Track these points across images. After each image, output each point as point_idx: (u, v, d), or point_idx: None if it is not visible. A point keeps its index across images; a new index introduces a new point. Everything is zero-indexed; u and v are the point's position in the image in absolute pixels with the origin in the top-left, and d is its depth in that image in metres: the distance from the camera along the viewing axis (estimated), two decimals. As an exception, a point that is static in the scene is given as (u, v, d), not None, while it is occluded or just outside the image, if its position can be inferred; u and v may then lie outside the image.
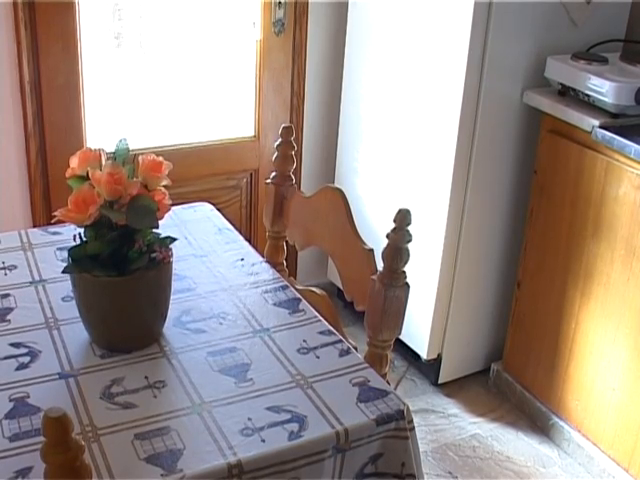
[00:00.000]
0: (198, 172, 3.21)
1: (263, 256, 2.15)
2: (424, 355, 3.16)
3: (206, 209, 2.33)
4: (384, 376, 1.76)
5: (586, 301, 2.74)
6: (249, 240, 2.24)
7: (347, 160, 3.42)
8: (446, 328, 3.11)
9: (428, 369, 3.23)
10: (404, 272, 1.70)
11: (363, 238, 1.89)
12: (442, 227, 2.94)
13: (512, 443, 2.96)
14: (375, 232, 1.78)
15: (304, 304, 1.91)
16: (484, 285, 3.15)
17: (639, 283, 2.53)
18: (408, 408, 1.59)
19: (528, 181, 2.94)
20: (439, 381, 3.21)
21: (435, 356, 3.16)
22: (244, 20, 3.18)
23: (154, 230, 1.66)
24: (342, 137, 3.44)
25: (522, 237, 2.99)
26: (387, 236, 1.68)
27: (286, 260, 2.26)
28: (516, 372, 3.11)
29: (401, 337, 3.09)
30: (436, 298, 3.03)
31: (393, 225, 1.68)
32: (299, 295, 1.95)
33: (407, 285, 1.71)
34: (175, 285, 1.81)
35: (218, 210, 2.34)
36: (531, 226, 2.92)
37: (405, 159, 3.08)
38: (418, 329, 3.11)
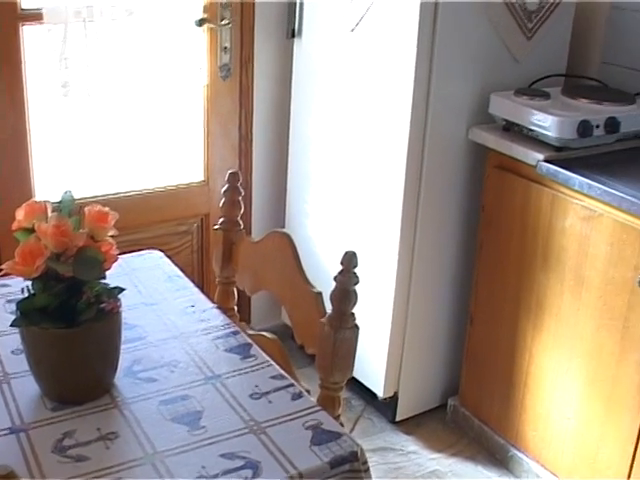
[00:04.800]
0: (149, 219, 3.21)
1: (214, 302, 2.15)
2: (380, 393, 3.16)
3: (156, 256, 2.33)
4: (337, 418, 1.76)
5: (538, 333, 2.76)
6: (201, 285, 2.24)
7: (297, 202, 3.43)
8: (401, 366, 3.12)
9: (385, 407, 3.23)
10: (353, 314, 1.71)
11: (314, 279, 1.90)
12: (393, 265, 2.95)
13: (472, 477, 2.96)
14: (326, 273, 1.79)
15: (255, 349, 1.91)
16: (437, 321, 3.16)
17: (589, 312, 2.56)
18: (362, 449, 1.59)
19: (477, 216, 2.97)
20: (397, 419, 3.21)
21: (391, 394, 3.17)
22: (190, 65, 3.19)
23: (102, 280, 1.66)
24: (291, 179, 3.46)
25: (473, 272, 3.02)
26: (334, 279, 1.70)
27: (239, 303, 2.26)
28: (473, 406, 3.13)
29: (357, 376, 3.12)
30: (390, 336, 3.04)
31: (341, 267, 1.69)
32: (250, 340, 1.94)
33: (356, 327, 1.72)
34: (125, 334, 1.80)
35: (168, 257, 2.34)
36: (481, 261, 2.95)
37: (354, 199, 3.10)
38: (373, 368, 3.12)
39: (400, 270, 2.97)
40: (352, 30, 2.97)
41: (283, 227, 3.47)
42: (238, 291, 2.21)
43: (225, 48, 3.22)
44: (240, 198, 2.10)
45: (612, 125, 2.68)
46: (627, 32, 3.04)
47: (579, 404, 2.66)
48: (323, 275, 2.03)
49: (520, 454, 2.93)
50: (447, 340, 3.22)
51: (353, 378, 3.11)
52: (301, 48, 3.28)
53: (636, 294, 2.40)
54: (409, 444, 3.12)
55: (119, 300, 1.69)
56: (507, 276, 2.85)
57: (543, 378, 2.78)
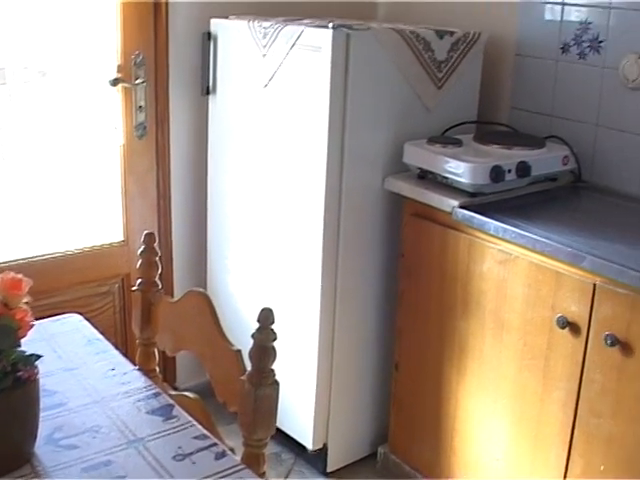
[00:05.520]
0: (69, 281, 3.18)
1: (135, 363, 2.13)
2: (310, 446, 3.15)
3: (75, 320, 2.30)
4: (262, 475, 1.75)
5: (463, 376, 2.79)
6: (125, 346, 2.22)
7: (217, 258, 3.42)
8: (329, 417, 3.12)
9: (316, 459, 3.22)
10: (272, 370, 1.71)
11: (237, 336, 1.90)
12: (316, 317, 2.96)
13: (405, 525, 2.96)
14: (249, 329, 1.79)
15: (177, 410, 1.89)
16: (363, 370, 3.17)
17: (511, 354, 2.60)
18: (287, 506, 1.59)
19: (396, 264, 3.00)
20: (328, 470, 3.20)
21: (321, 446, 3.16)
22: (106, 125, 3.19)
23: (19, 348, 1.63)
24: (211, 236, 3.46)
25: (396, 319, 3.03)
26: (252, 336, 1.70)
27: (165, 363, 2.25)
28: (403, 453, 3.13)
29: (285, 430, 3.11)
30: (316, 388, 3.04)
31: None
32: (172, 401, 1.93)
33: (276, 383, 1.72)
34: (45, 401, 1.78)
35: (87, 319, 2.31)
36: (403, 308, 2.98)
37: (274, 253, 3.11)
38: (301, 421, 3.11)
39: (323, 321, 2.97)
40: (265, 86, 3.00)
41: (205, 284, 3.47)
42: (163, 351, 2.19)
43: (140, 107, 3.23)
44: (157, 259, 2.09)
45: (523, 169, 2.74)
46: (531, 78, 3.12)
47: (507, 444, 2.68)
48: (246, 331, 2.03)
49: (452, 498, 2.95)
50: (374, 388, 3.23)
51: (282, 432, 3.10)
52: (216, 105, 3.29)
53: (555, 333, 2.44)
54: (341, 495, 3.12)
55: (36, 367, 1.66)
56: (429, 322, 2.87)
57: (470, 421, 2.80)
